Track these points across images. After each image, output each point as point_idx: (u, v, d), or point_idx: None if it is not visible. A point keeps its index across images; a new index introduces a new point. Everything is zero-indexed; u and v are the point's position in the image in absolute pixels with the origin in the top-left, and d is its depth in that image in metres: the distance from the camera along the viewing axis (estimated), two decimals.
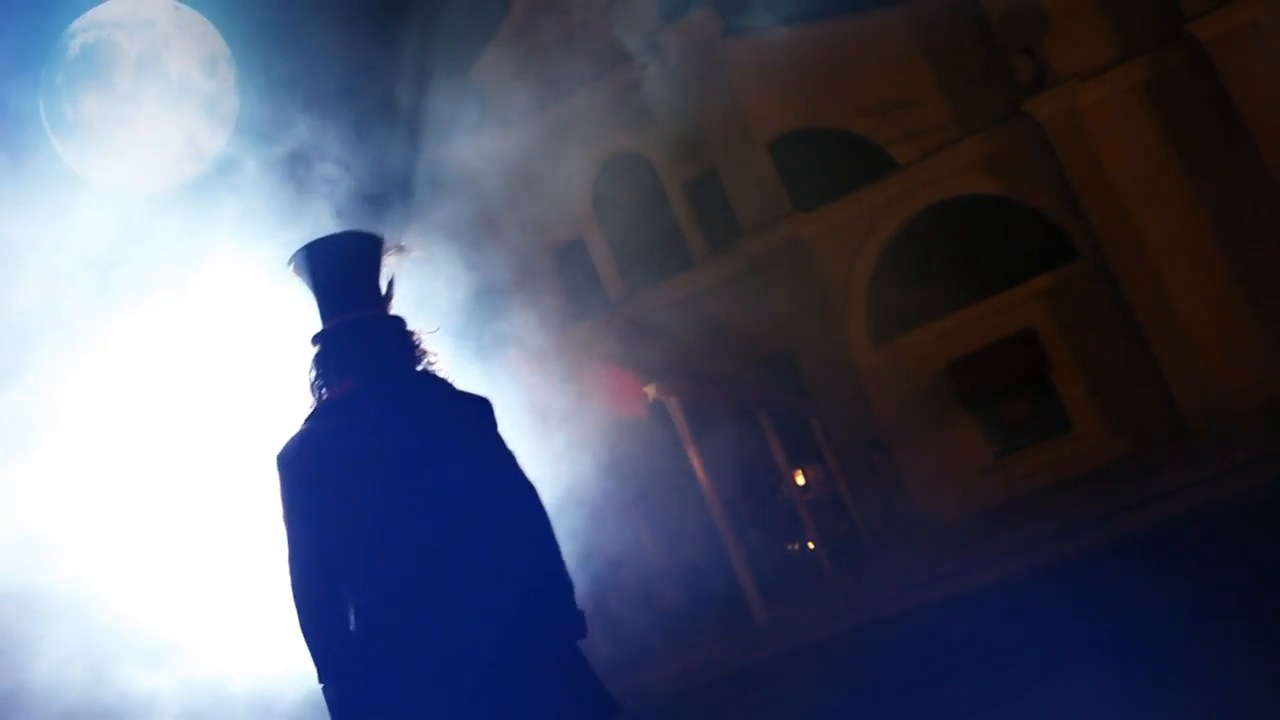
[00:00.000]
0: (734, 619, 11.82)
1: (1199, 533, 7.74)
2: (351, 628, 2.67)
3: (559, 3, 18.99)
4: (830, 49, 17.81)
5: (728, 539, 11.84)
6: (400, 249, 3.04)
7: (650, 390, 11.64)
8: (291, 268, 2.93)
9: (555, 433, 9.13)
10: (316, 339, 2.89)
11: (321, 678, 2.64)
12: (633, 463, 11.61)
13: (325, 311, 2.89)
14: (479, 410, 2.85)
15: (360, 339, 2.84)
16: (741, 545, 12.08)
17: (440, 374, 2.93)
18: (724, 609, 12.10)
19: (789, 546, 15.54)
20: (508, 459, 2.83)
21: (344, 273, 2.89)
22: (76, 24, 6.26)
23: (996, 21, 16.81)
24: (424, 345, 2.94)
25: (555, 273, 19.65)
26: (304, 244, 2.92)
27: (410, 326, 2.94)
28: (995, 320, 17.25)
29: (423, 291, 6.14)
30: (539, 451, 8.46)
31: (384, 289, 2.96)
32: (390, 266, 2.99)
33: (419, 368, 2.90)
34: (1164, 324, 16.11)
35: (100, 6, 6.19)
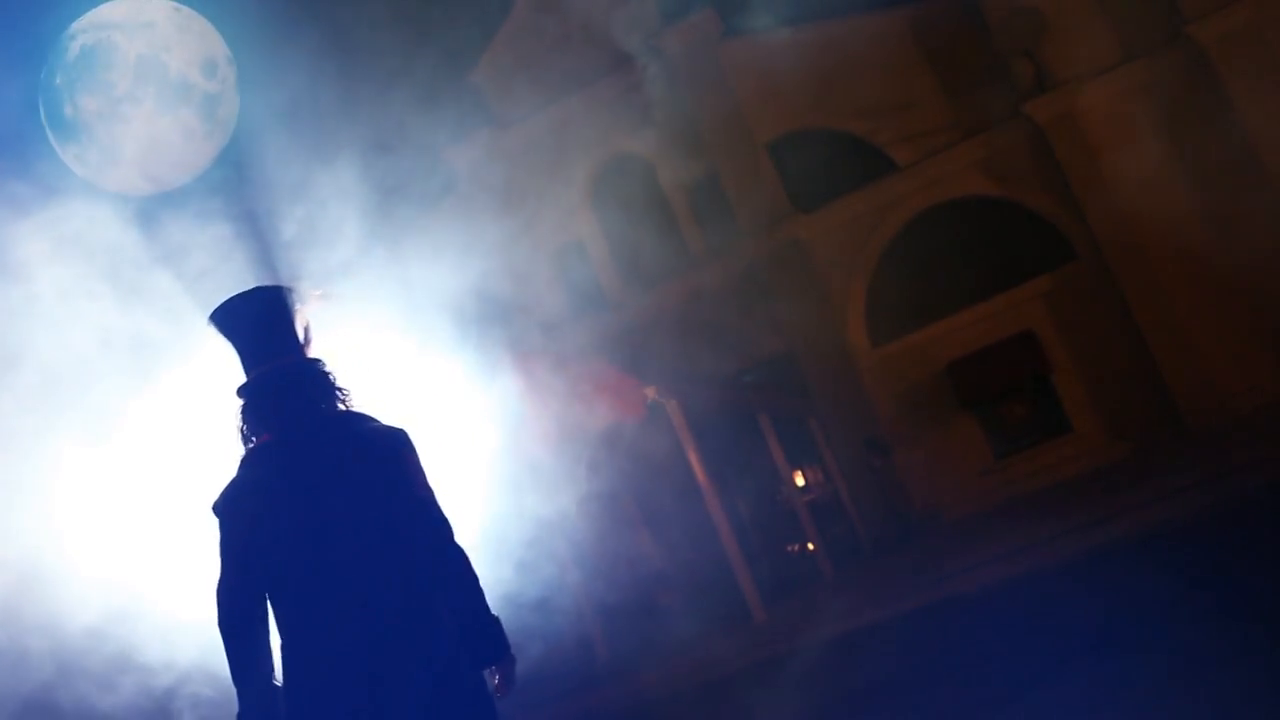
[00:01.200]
0: (733, 620, 11.81)
1: (1199, 534, 7.74)
2: (274, 667, 2.85)
3: (559, 4, 19.00)
4: (830, 50, 17.81)
5: (727, 540, 11.84)
6: (323, 296, 3.22)
7: (650, 392, 11.64)
8: (212, 326, 3.10)
9: (555, 435, 9.13)
10: (240, 391, 3.05)
11: (239, 700, 2.82)
12: (632, 464, 11.61)
13: (246, 364, 3.06)
14: (395, 445, 2.99)
15: (279, 387, 3.00)
16: (741, 546, 12.07)
17: (358, 411, 3.07)
18: (723, 610, 12.09)
19: (788, 548, 15.53)
20: (420, 494, 2.98)
21: (260, 325, 3.05)
22: (76, 25, 6.26)
23: (996, 23, 16.82)
24: (341, 385, 3.08)
25: (555, 274, 19.63)
26: (217, 304, 3.08)
27: (327, 368, 3.08)
28: (995, 321, 17.26)
29: (421, 294, 6.14)
30: (539, 453, 8.45)
31: (302, 335, 3.10)
32: (309, 313, 3.14)
33: (338, 407, 3.05)
34: (1163, 325, 16.11)
35: (99, 8, 6.19)
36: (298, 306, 3.11)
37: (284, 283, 3.19)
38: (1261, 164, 15.31)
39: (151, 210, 5.53)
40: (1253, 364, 15.57)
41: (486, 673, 3.01)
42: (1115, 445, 16.42)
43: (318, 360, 3.10)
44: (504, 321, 10.07)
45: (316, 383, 3.05)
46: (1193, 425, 15.61)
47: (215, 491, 2.99)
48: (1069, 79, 16.50)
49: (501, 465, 6.57)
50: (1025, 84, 16.74)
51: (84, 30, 6.02)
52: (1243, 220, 15.77)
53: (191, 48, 6.24)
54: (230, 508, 2.92)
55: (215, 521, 2.94)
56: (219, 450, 3.27)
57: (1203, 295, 16.05)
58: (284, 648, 2.86)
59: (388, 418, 3.10)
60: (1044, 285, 17.08)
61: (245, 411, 3.03)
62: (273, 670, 2.85)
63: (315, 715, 2.79)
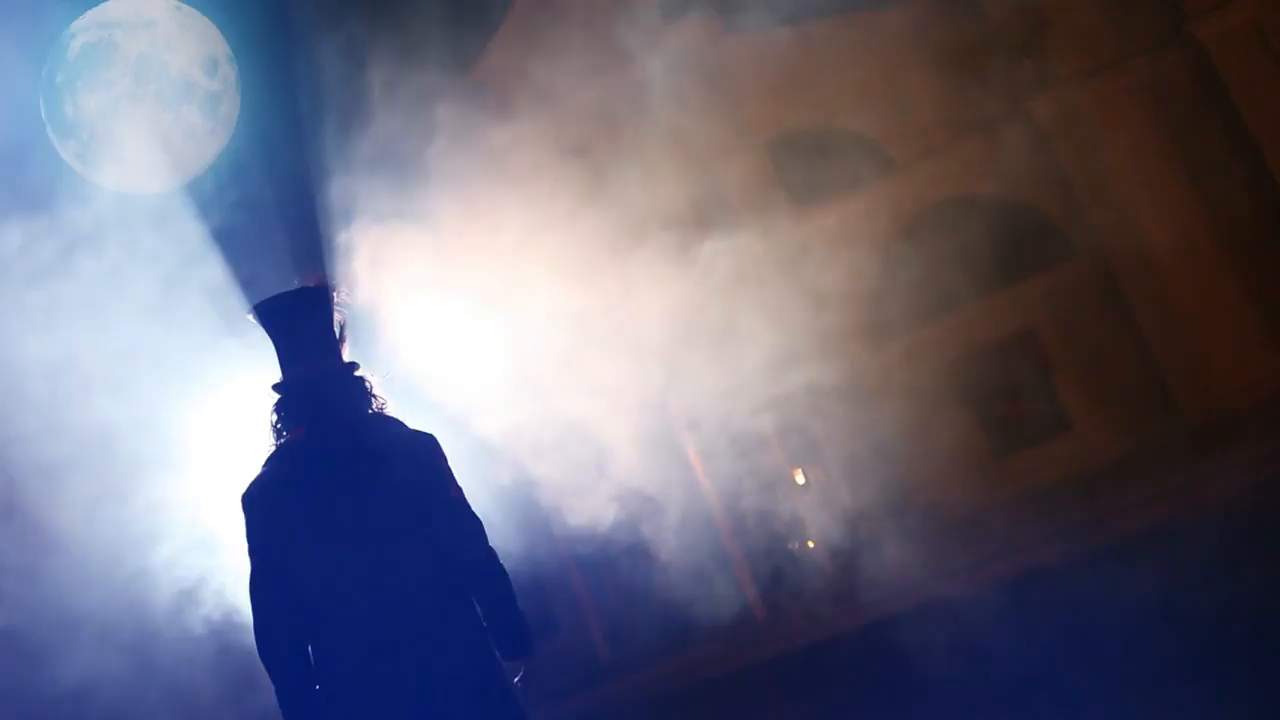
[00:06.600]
0: (733, 618, 11.82)
1: (1199, 532, 7.74)
2: (308, 659, 2.88)
3: (560, 2, 18.94)
4: (829, 48, 17.78)
5: (727, 538, 11.85)
6: (349, 290, 3.33)
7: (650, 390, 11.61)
8: (252, 318, 3.17)
9: (558, 428, 9.12)
10: (276, 388, 3.12)
11: (279, 703, 2.84)
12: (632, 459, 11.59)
13: (284, 363, 3.14)
14: (425, 448, 3.07)
15: (315, 389, 3.08)
16: (741, 544, 12.08)
17: (390, 415, 3.16)
18: (723, 608, 12.10)
19: (789, 545, 15.55)
20: (454, 495, 3.06)
21: (299, 328, 3.13)
22: (76, 23, 6.26)
23: (996, 20, 16.80)
24: (375, 390, 3.17)
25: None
26: (262, 300, 3.16)
27: (361, 373, 3.17)
28: (995, 319, 17.24)
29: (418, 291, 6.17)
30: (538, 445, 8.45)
31: (338, 335, 3.18)
32: (342, 310, 3.21)
33: (370, 411, 3.13)
34: (1164, 323, 16.10)
35: (100, 6, 6.20)
36: (337, 308, 3.19)
37: (326, 282, 3.25)
38: (1262, 162, 15.30)
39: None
40: (1253, 362, 15.56)
41: (509, 666, 3.06)
42: (1115, 443, 16.39)
43: (354, 364, 3.18)
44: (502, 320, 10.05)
45: (352, 386, 3.13)
46: (1193, 423, 15.60)
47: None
48: (1069, 76, 16.48)
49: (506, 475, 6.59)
50: (1026, 81, 16.72)
51: (85, 29, 6.02)
52: (1244, 219, 15.77)
53: (193, 46, 6.25)
54: (258, 500, 2.94)
55: (242, 513, 2.96)
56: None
57: (1203, 294, 16.04)
58: (315, 643, 2.88)
59: (414, 422, 3.17)
60: (1044, 283, 17.06)
61: (280, 407, 3.09)
62: (311, 674, 2.86)
63: (348, 711, 2.82)
